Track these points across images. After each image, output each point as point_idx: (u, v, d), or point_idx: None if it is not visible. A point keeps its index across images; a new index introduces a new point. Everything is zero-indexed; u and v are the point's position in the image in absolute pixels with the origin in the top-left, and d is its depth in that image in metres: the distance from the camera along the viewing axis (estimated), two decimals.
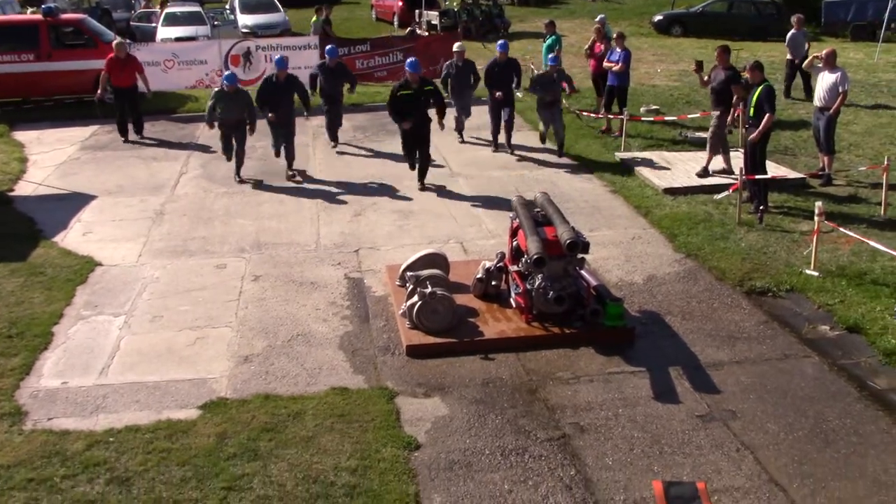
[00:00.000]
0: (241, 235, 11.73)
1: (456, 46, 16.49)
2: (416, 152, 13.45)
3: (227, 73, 14.66)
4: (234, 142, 13.96)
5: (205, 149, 16.21)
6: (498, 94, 15.10)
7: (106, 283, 10.24)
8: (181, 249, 11.32)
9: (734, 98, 13.40)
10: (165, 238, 11.73)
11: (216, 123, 13.83)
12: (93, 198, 13.54)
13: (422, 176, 13.62)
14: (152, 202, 13.27)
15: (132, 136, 16.92)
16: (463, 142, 16.44)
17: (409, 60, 13.45)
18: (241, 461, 6.63)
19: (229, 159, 14.22)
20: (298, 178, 14.17)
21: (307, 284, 10.04)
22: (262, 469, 6.53)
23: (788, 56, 19.71)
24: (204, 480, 6.39)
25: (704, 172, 13.70)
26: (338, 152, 15.99)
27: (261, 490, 6.27)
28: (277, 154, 14.29)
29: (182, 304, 9.59)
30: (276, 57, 14.86)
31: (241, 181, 13.97)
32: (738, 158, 13.47)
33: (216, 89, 14.27)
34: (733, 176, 13.01)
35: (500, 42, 15.86)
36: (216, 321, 9.20)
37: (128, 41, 20.05)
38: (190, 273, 10.51)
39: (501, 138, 15.74)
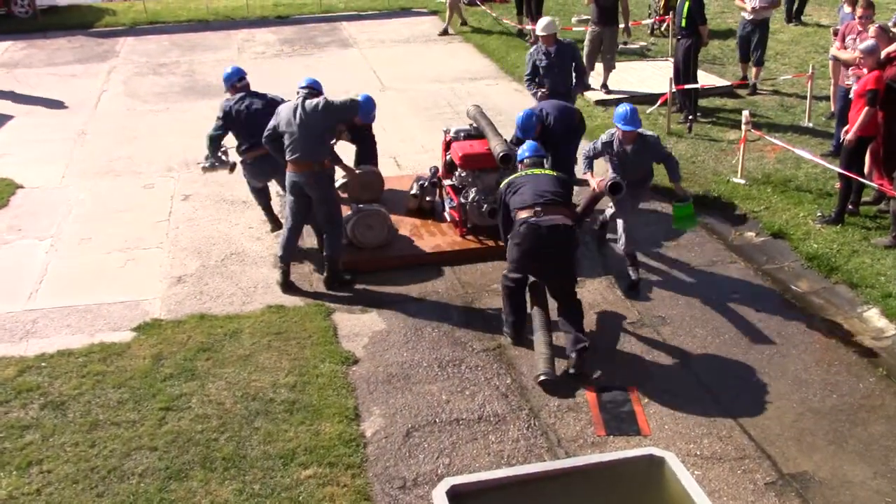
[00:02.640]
0: (169, 154, 11.45)
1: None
2: None
3: None
4: None
5: (125, 65, 15.64)
6: None
7: (29, 206, 9.94)
8: (106, 170, 11.02)
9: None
10: (89, 158, 11.40)
11: None
12: (9, 118, 13.02)
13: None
14: (73, 121, 12.83)
15: None
16: None
17: None
18: (179, 381, 6.61)
19: None
20: None
21: (238, 203, 9.89)
22: (199, 388, 6.53)
23: None
24: (141, 402, 6.37)
25: (605, 88, 13.70)
26: (267, 67, 15.56)
27: (199, 409, 6.28)
28: None
29: (110, 226, 9.39)
30: None
31: None
32: (668, 69, 13.54)
33: None
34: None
35: None
36: (147, 242, 9.04)
37: None
38: (117, 194, 10.26)
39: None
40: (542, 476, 4.41)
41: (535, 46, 10.46)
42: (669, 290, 8.08)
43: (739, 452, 5.93)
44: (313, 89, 8.04)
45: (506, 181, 7.29)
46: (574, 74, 10.33)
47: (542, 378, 6.50)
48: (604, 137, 8.07)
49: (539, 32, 10.21)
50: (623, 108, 7.79)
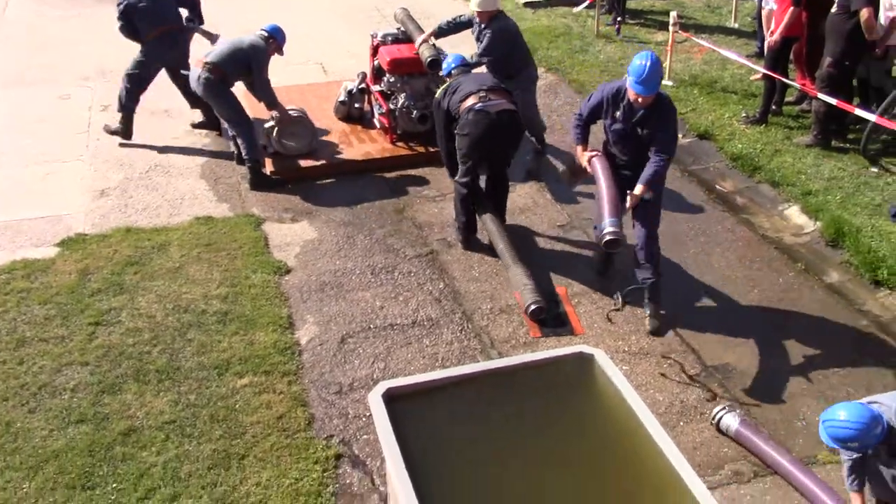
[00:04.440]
0: (83, 62, 10.98)
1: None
2: None
3: None
4: None
5: None
6: None
7: None
8: (17, 80, 10.54)
9: None
10: None
11: None
12: None
13: None
14: None
15: None
16: None
17: None
18: (107, 296, 6.50)
19: None
20: None
21: (160, 113, 9.58)
22: (129, 302, 6.43)
23: None
24: (69, 318, 6.25)
25: None
26: None
27: (130, 323, 6.20)
28: None
29: (26, 139, 9.03)
30: None
31: None
32: None
33: None
34: None
35: None
36: (66, 155, 8.74)
37: None
38: (31, 105, 9.84)
39: None
40: (475, 377, 4.49)
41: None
42: None
43: (666, 348, 6.12)
44: (272, 36, 8.24)
45: (440, 91, 7.18)
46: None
47: (532, 307, 6.29)
48: (604, 93, 6.24)
49: (474, 9, 8.11)
50: (641, 62, 5.81)
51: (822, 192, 7.85)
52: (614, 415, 4.28)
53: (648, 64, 5.80)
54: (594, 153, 6.45)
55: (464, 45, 8.90)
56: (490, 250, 7.07)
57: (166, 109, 9.53)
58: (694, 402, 5.62)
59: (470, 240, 7.27)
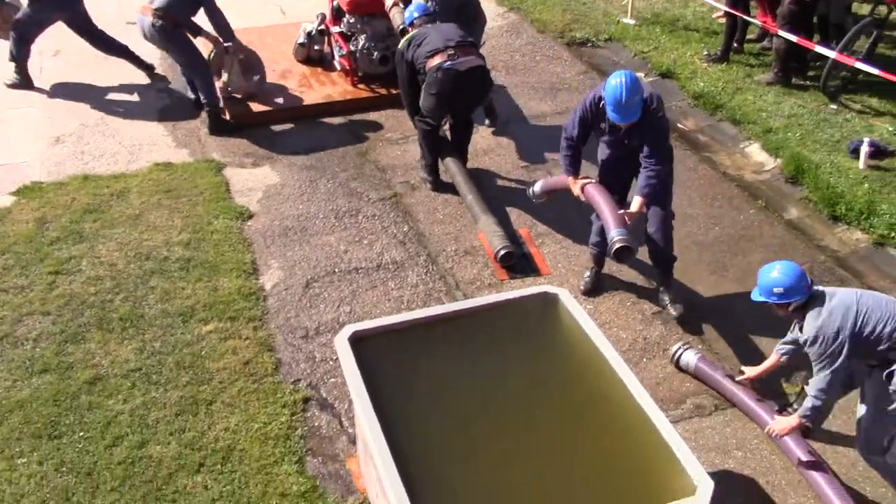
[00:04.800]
0: None
1: None
2: None
3: None
4: None
5: None
6: None
7: None
8: None
9: None
10: None
11: None
12: None
13: None
14: None
15: None
16: None
17: None
18: (66, 245, 6.40)
19: None
20: None
21: (114, 59, 9.32)
22: (89, 251, 6.34)
23: None
24: (28, 267, 6.16)
25: None
26: None
27: (91, 272, 6.13)
28: None
29: None
30: None
31: None
32: None
33: None
34: None
35: None
36: (18, 102, 8.50)
37: None
38: None
39: None
40: (441, 318, 4.52)
41: None
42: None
43: (629, 286, 6.19)
44: None
45: (403, 41, 6.96)
46: None
47: (502, 252, 6.22)
48: (586, 104, 5.57)
49: None
50: (616, 83, 5.19)
51: (782, 130, 7.91)
52: (579, 353, 4.34)
53: (624, 91, 5.16)
54: (587, 180, 5.79)
55: None
56: (455, 191, 7.05)
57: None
58: (657, 338, 5.71)
59: (438, 182, 7.24)
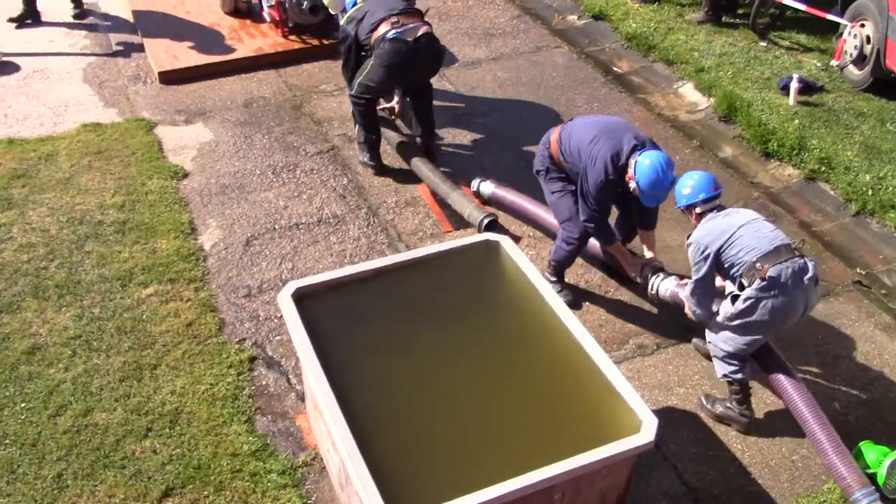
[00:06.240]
0: None
1: None
2: None
3: None
4: None
5: None
6: None
7: None
8: None
9: None
10: None
11: None
12: None
13: None
14: None
15: None
16: None
17: None
18: None
19: None
20: None
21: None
22: (19, 217, 6.16)
23: None
24: None
25: None
26: None
27: (23, 238, 5.96)
28: None
29: None
30: None
31: None
32: None
33: None
34: None
35: None
36: None
37: None
38: None
39: None
40: (384, 270, 4.52)
41: None
42: (496, 79, 8.14)
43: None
44: None
45: (344, 20, 6.56)
46: None
47: (486, 221, 6.04)
48: (604, 176, 5.08)
49: None
50: (652, 166, 4.94)
51: (714, 69, 7.99)
52: (522, 298, 4.39)
53: (665, 187, 4.99)
54: (650, 262, 5.41)
55: None
56: (401, 163, 6.89)
57: (39, 10, 8.94)
58: (598, 281, 5.79)
59: (379, 164, 6.78)
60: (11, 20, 8.80)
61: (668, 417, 4.76)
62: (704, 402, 4.87)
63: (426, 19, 6.50)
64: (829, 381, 5.08)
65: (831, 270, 5.92)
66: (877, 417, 4.86)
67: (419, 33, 6.26)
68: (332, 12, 7.32)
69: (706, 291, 4.68)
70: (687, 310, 4.86)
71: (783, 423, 4.73)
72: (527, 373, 4.08)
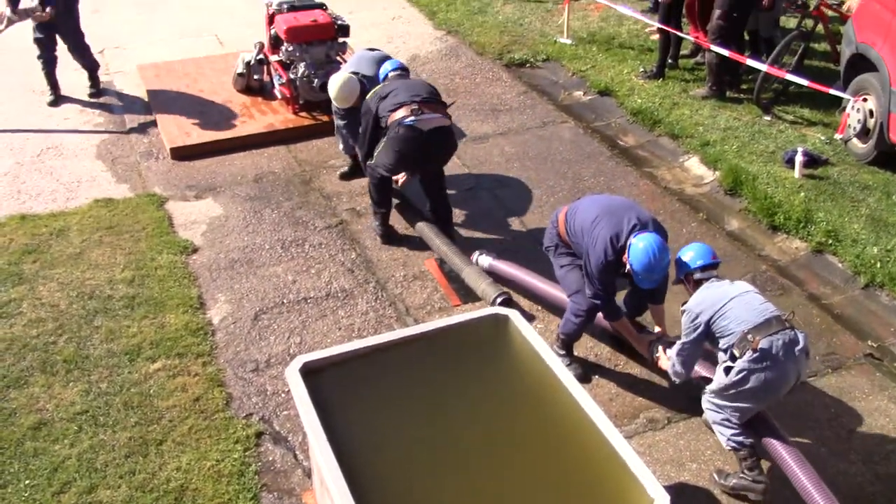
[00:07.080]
0: None
1: None
2: None
3: None
4: None
5: None
6: None
7: None
8: None
9: None
10: None
11: None
12: None
13: None
14: None
15: None
16: None
17: None
18: (5, 287, 6.24)
19: None
20: None
21: (49, 92, 9.18)
22: (29, 292, 6.19)
23: None
24: None
25: None
26: None
27: (32, 314, 5.98)
28: None
29: None
30: None
31: None
32: None
33: None
34: None
35: None
36: None
37: None
38: None
39: None
40: (392, 345, 4.49)
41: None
42: (504, 154, 8.23)
43: None
44: None
45: (371, 92, 6.66)
46: None
47: (499, 300, 6.03)
48: (603, 258, 5.13)
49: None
50: (645, 249, 4.97)
51: (719, 143, 8.08)
52: (532, 372, 4.35)
53: (659, 269, 5.04)
54: (660, 338, 5.43)
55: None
56: (410, 234, 6.96)
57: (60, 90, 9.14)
58: (608, 354, 5.76)
59: (389, 234, 6.89)
60: (50, 104, 9.04)
61: (681, 493, 4.68)
62: (717, 477, 4.81)
63: (448, 111, 6.56)
64: (844, 455, 5.00)
65: (842, 343, 5.87)
66: (895, 493, 4.77)
67: (434, 125, 6.34)
68: (342, 106, 7.23)
69: (692, 355, 4.84)
70: (669, 368, 4.98)
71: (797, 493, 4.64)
72: (537, 448, 4.02)
